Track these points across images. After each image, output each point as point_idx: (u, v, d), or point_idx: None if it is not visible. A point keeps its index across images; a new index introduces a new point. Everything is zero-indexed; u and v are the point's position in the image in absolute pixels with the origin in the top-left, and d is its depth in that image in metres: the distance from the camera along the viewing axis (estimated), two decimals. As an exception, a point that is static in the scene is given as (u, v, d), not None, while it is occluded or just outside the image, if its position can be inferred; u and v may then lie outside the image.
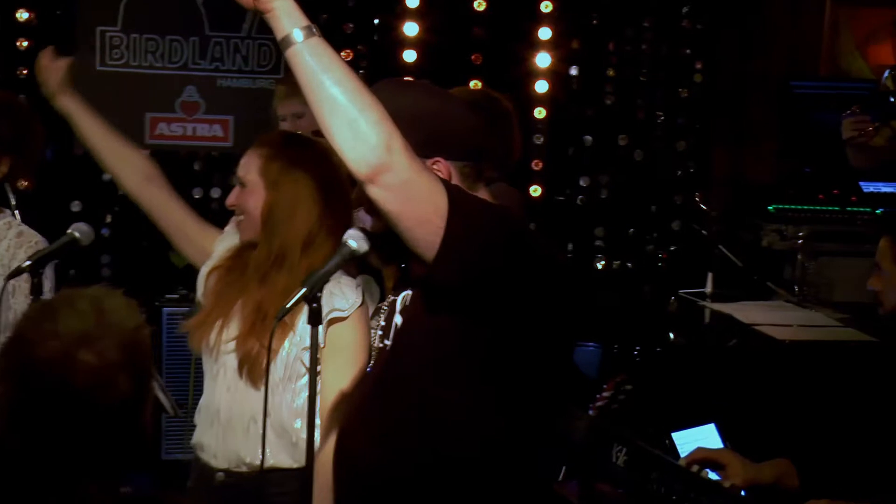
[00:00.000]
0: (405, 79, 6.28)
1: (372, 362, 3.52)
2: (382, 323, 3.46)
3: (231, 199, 3.97)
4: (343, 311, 3.72)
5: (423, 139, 3.08)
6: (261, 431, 3.66)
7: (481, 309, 3.09)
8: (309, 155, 3.97)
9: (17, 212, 5.20)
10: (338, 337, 3.82)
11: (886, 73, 6.25)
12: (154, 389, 4.34)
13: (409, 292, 3.32)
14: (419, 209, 2.98)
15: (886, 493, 3.68)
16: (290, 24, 2.95)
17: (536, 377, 3.21)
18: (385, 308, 3.51)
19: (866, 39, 7.95)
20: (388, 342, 3.39)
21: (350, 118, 2.93)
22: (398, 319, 3.35)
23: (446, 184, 3.06)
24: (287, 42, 2.93)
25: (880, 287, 3.95)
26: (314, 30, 2.97)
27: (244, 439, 3.88)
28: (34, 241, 4.55)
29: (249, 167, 3.79)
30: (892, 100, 6.16)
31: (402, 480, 3.21)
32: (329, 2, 7.86)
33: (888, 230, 3.97)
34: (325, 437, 3.75)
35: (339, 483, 3.43)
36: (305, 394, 3.75)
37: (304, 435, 3.64)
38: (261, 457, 3.74)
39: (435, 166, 3.15)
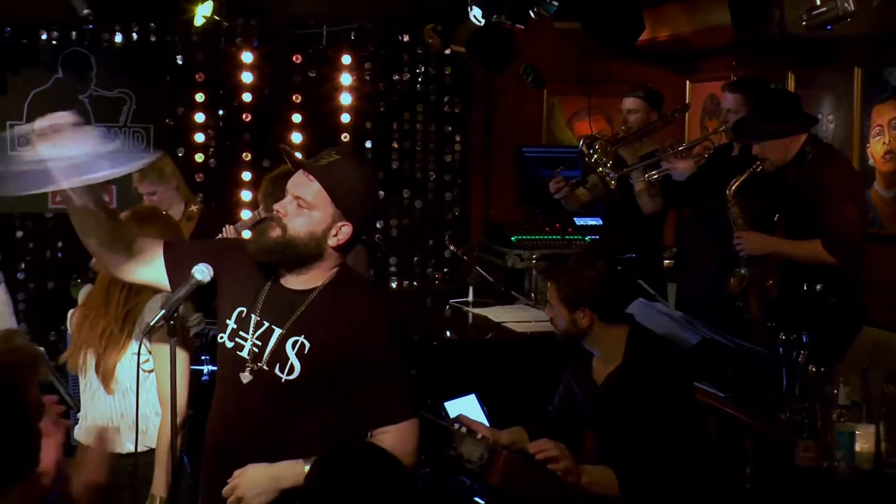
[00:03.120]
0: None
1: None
2: (255, 340, 3.30)
3: None
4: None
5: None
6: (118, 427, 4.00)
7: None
8: (153, 220, 4.20)
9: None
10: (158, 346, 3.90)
11: (581, 142, 6.36)
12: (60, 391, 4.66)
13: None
14: None
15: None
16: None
17: None
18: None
19: (571, 118, 8.61)
20: (262, 359, 3.27)
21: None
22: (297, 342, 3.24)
23: None
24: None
25: (552, 316, 4.09)
26: None
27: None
28: None
29: None
30: (587, 160, 6.27)
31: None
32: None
33: (551, 277, 4.11)
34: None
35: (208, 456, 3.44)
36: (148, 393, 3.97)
37: (151, 424, 4.02)
38: (127, 445, 3.97)
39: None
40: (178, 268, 3.35)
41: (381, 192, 8.04)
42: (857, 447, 4.04)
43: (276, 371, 3.22)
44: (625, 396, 3.92)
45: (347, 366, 3.20)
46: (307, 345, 3.21)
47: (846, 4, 4.05)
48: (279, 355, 3.23)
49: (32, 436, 2.43)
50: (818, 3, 4.12)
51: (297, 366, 3.21)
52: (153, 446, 4.04)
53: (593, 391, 4.07)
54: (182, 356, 3.76)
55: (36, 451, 2.46)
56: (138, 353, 3.71)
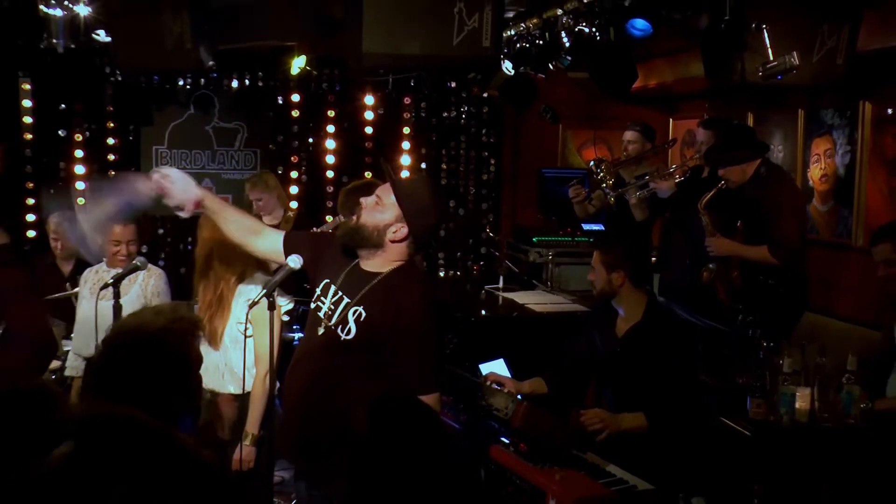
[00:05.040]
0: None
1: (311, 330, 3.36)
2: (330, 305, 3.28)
3: None
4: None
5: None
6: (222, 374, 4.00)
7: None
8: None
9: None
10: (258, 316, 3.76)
11: (591, 163, 6.32)
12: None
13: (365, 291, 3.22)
14: None
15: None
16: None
17: None
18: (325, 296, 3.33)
19: (580, 147, 8.59)
20: (331, 319, 3.25)
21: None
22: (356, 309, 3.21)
23: None
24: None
25: (593, 278, 4.21)
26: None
27: (214, 377, 4.01)
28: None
29: None
30: (594, 177, 6.23)
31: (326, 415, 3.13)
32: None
33: (599, 247, 4.26)
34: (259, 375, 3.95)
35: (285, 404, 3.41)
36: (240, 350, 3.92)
37: (240, 375, 3.96)
38: (229, 388, 4.02)
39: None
40: (290, 250, 3.38)
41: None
42: (797, 405, 4.08)
43: (339, 331, 3.22)
44: (641, 347, 4.02)
45: (389, 337, 3.15)
46: (364, 314, 3.19)
47: (792, 60, 4.06)
48: (343, 319, 3.22)
49: (196, 382, 2.50)
50: (771, 58, 4.12)
51: (353, 329, 3.19)
52: (249, 391, 4.04)
53: (614, 343, 4.14)
54: (275, 324, 3.76)
55: (199, 391, 2.54)
56: (246, 322, 3.75)
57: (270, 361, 3.34)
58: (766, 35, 4.06)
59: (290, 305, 4.96)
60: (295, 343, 5.37)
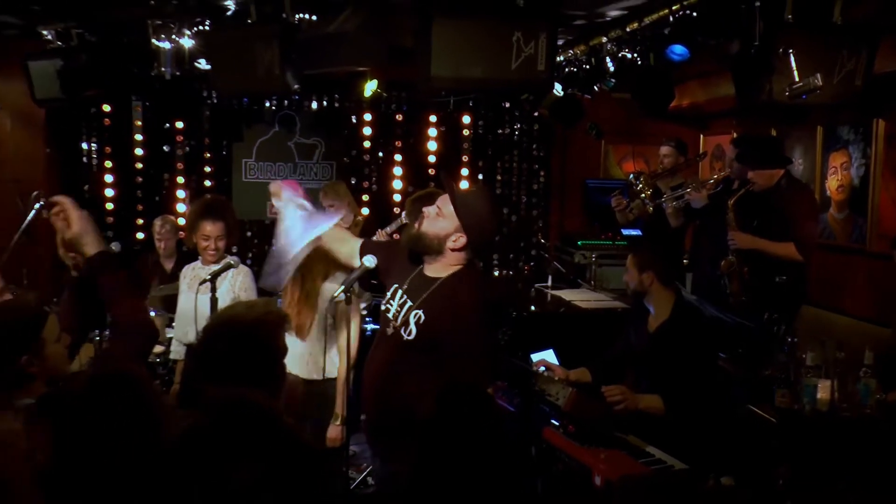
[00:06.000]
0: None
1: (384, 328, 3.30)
2: (396, 306, 3.25)
3: None
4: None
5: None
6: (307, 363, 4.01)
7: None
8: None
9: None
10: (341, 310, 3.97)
11: (631, 175, 6.27)
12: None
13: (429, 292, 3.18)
14: None
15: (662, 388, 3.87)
16: None
17: None
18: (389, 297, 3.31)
19: (621, 160, 8.49)
20: (397, 321, 3.20)
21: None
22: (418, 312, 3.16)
23: None
24: None
25: (628, 279, 4.18)
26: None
27: (299, 364, 4.06)
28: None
29: None
30: (633, 188, 6.15)
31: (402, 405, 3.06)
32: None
33: (631, 251, 4.29)
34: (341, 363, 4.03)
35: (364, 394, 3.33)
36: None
37: (320, 362, 4.01)
38: (313, 375, 4.05)
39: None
40: (364, 254, 3.39)
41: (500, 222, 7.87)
42: (818, 395, 4.02)
43: (402, 332, 3.15)
44: (669, 342, 3.98)
45: (446, 337, 3.04)
46: (423, 317, 3.12)
47: (816, 81, 3.98)
48: (406, 321, 3.15)
49: (282, 369, 2.51)
50: (797, 80, 4.04)
51: (414, 331, 3.12)
52: (334, 376, 4.07)
53: (646, 338, 4.11)
54: (354, 318, 3.89)
55: (284, 377, 2.56)
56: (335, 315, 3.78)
57: (348, 350, 3.45)
58: (792, 59, 3.98)
59: (367, 301, 4.97)
60: (368, 334, 5.43)
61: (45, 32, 5.75)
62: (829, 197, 6.54)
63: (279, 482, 1.72)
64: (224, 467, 1.71)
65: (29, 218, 6.66)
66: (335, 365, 4.08)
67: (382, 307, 3.31)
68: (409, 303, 3.17)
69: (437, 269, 3.20)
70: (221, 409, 1.81)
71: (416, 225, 3.21)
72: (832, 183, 6.54)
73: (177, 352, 4.81)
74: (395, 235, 5.64)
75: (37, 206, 6.31)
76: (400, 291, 3.24)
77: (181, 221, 6.84)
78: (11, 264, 3.97)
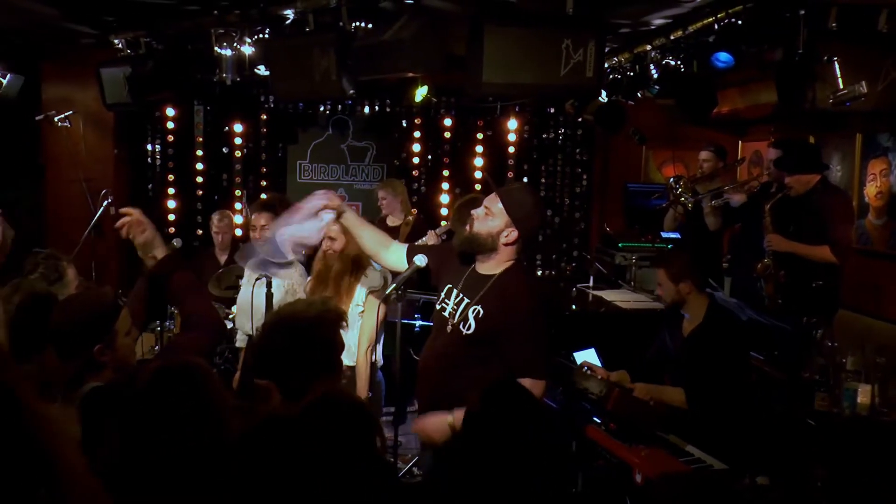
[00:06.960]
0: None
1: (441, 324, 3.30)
2: (453, 303, 3.25)
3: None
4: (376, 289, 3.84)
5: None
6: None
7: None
8: None
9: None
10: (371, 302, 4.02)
11: (672, 179, 6.17)
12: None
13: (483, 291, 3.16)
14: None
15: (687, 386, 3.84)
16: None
17: None
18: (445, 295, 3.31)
19: (661, 164, 8.32)
20: (455, 318, 3.20)
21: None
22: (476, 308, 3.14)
23: None
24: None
25: (661, 293, 4.15)
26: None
27: None
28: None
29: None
30: (674, 191, 6.07)
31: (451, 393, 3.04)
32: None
33: (658, 264, 4.17)
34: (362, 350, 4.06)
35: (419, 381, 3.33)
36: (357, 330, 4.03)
37: (354, 349, 4.06)
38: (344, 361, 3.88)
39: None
40: (412, 256, 3.38)
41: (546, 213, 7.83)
42: (858, 400, 3.94)
43: (461, 327, 3.16)
44: (702, 346, 3.91)
45: (503, 329, 3.06)
46: (481, 312, 3.12)
47: (861, 88, 3.88)
48: (464, 317, 3.15)
49: (339, 361, 2.50)
50: (841, 87, 3.94)
51: (473, 325, 3.12)
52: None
53: (680, 342, 4.05)
54: (383, 311, 3.94)
55: (340, 370, 2.54)
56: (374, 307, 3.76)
57: (369, 340, 3.54)
58: (836, 66, 3.88)
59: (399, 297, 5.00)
60: (416, 329, 5.48)
61: (116, 41, 5.87)
62: (868, 203, 6.37)
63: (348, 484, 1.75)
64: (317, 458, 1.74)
65: (97, 215, 6.89)
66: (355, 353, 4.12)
67: (437, 306, 3.30)
68: (467, 300, 3.17)
69: (490, 266, 3.21)
70: (323, 407, 1.84)
71: (468, 227, 3.21)
72: (871, 189, 6.39)
73: (242, 340, 4.86)
74: (442, 237, 5.61)
75: (104, 203, 6.39)
76: (455, 290, 3.24)
77: (238, 219, 6.93)
78: (82, 258, 4.00)
